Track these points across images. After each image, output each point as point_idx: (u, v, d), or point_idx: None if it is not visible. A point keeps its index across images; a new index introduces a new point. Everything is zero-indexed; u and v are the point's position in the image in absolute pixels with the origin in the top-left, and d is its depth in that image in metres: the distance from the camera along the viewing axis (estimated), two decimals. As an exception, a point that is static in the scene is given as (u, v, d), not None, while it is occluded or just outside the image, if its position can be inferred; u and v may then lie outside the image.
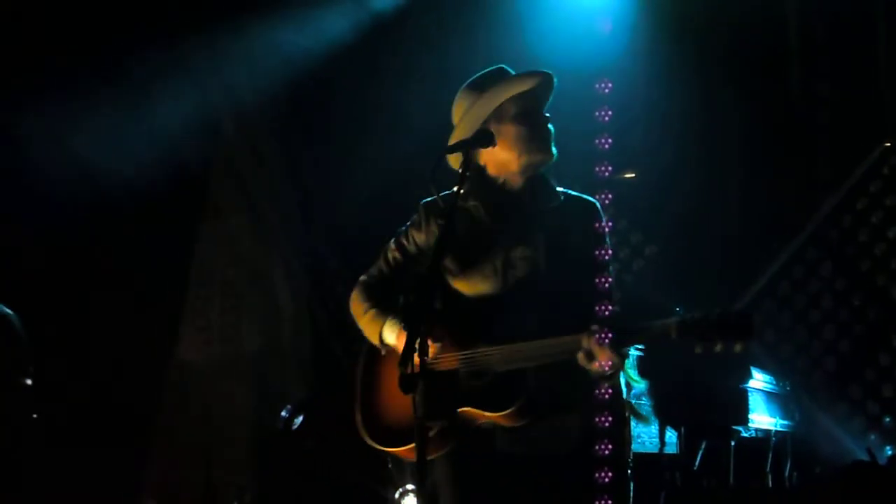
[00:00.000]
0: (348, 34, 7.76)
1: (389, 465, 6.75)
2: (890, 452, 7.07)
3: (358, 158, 8.22)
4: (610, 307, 3.80)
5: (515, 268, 3.86)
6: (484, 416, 3.76)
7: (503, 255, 3.88)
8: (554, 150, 3.91)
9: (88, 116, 7.70)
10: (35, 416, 6.07)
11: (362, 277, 4.16)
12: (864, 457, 6.59)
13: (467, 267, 3.89)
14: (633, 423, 6.08)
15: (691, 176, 7.83)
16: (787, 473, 6.90)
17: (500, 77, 3.99)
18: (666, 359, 6.32)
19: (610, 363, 3.62)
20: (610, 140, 4.15)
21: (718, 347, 3.52)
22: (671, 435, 6.47)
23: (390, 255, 4.11)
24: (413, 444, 3.67)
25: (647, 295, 7.18)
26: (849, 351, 7.67)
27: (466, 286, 3.90)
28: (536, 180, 3.96)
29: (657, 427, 6.38)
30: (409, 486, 6.60)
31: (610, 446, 3.83)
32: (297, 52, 7.79)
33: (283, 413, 7.47)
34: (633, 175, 6.48)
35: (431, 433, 3.71)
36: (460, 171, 3.70)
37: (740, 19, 7.71)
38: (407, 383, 3.33)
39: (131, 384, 7.85)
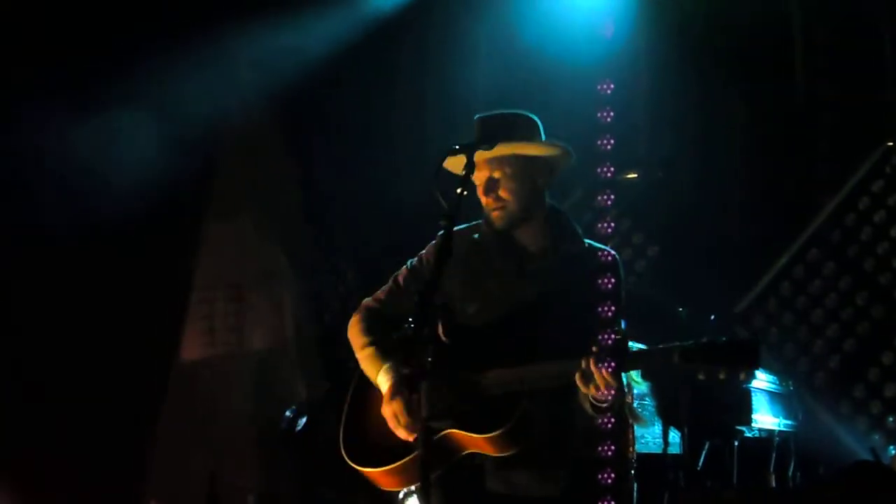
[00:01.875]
0: (355, 34, 7.77)
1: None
2: (893, 452, 7.06)
3: (364, 158, 8.24)
4: (613, 335, 3.76)
5: (519, 300, 3.86)
6: (471, 438, 3.71)
7: (508, 287, 3.90)
8: (502, 223, 3.90)
9: (93, 116, 7.71)
10: None
11: (367, 301, 4.16)
12: (868, 457, 6.59)
13: (471, 296, 3.90)
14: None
15: (694, 176, 7.83)
16: (790, 473, 6.89)
17: (485, 130, 3.93)
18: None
19: (607, 390, 3.57)
20: (612, 141, 4.15)
21: (722, 375, 3.45)
22: (674, 435, 6.47)
23: (402, 280, 4.10)
24: (387, 467, 3.79)
25: (649, 295, 7.18)
26: (852, 350, 7.67)
27: (468, 310, 3.90)
28: (557, 223, 3.98)
29: (660, 427, 6.38)
30: (412, 487, 6.59)
31: (612, 447, 3.82)
32: (304, 52, 7.81)
33: (287, 414, 7.48)
34: (636, 175, 6.46)
35: (406, 460, 3.73)
36: (462, 173, 3.68)
37: (742, 19, 7.71)
38: (411, 383, 3.36)
39: (135, 384, 7.85)
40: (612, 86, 4.30)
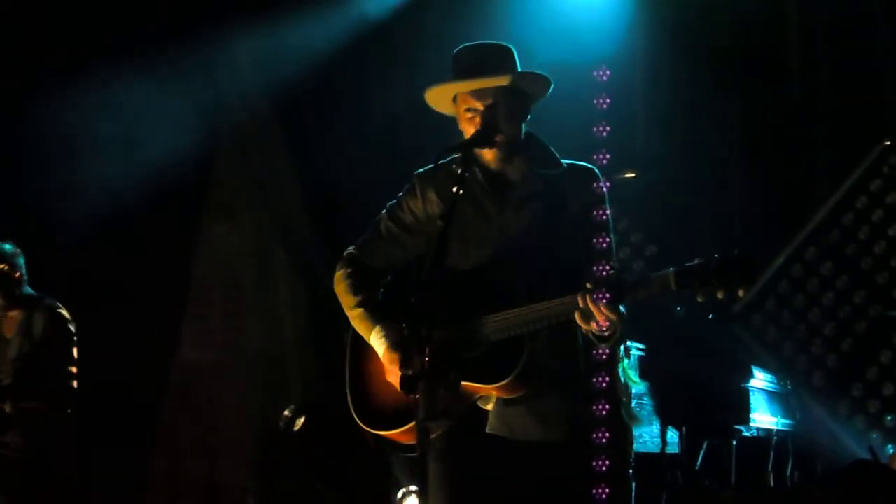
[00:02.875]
0: (355, 31, 7.77)
1: (393, 468, 6.76)
2: (891, 451, 7.07)
3: (364, 157, 8.23)
4: (608, 267, 3.72)
5: (508, 235, 3.81)
6: (481, 388, 3.70)
7: (497, 223, 3.85)
8: (510, 142, 3.83)
9: (93, 115, 7.72)
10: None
11: (351, 250, 4.10)
12: (866, 456, 6.59)
13: (462, 233, 3.79)
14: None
15: (691, 175, 7.83)
16: (788, 473, 6.90)
17: (462, 70, 3.88)
18: (667, 359, 6.33)
19: (607, 323, 3.54)
20: (608, 128, 4.11)
21: (720, 294, 3.43)
22: (672, 435, 6.48)
23: (383, 226, 4.04)
24: (406, 427, 3.71)
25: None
26: (850, 350, 7.67)
27: (458, 256, 3.80)
28: (536, 148, 3.92)
29: (658, 427, 6.38)
30: (412, 487, 6.60)
31: (607, 434, 3.77)
32: (304, 49, 7.80)
33: (286, 414, 7.48)
34: (634, 175, 6.47)
35: (435, 428, 3.64)
36: (459, 171, 3.64)
37: (739, 17, 7.72)
38: (408, 384, 3.33)
39: (134, 384, 7.85)
40: (608, 73, 4.28)
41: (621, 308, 3.55)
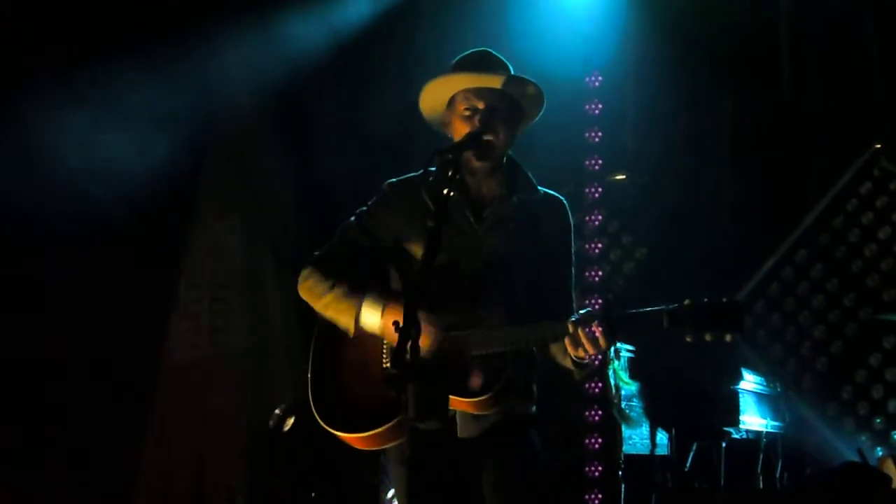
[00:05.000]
0: (346, 32, 7.77)
1: (383, 468, 6.75)
2: (881, 453, 7.08)
3: (354, 158, 8.23)
4: (600, 300, 3.77)
5: (482, 254, 3.80)
6: (457, 401, 3.66)
7: (471, 241, 3.83)
8: (498, 150, 3.82)
9: (81, 115, 7.70)
10: None
11: (315, 254, 4.01)
12: (855, 458, 6.61)
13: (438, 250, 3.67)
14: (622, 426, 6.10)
15: (682, 178, 7.84)
16: (777, 474, 6.91)
17: (467, 64, 3.90)
18: (657, 361, 6.34)
19: (594, 353, 3.57)
20: (600, 133, 4.14)
21: (708, 337, 3.48)
22: (662, 436, 6.48)
23: (350, 234, 4.00)
24: (373, 431, 3.67)
25: (637, 296, 7.19)
26: (840, 352, 7.69)
27: (436, 269, 3.65)
28: (514, 171, 3.92)
29: (648, 429, 6.39)
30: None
31: (600, 440, 3.81)
32: (294, 50, 7.80)
33: (275, 414, 7.47)
34: (624, 177, 6.49)
35: (392, 423, 3.64)
36: (449, 174, 3.58)
37: (731, 20, 7.73)
38: (396, 383, 3.26)
39: (123, 384, 7.84)
40: (600, 78, 4.31)
41: (613, 339, 3.58)
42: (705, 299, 3.52)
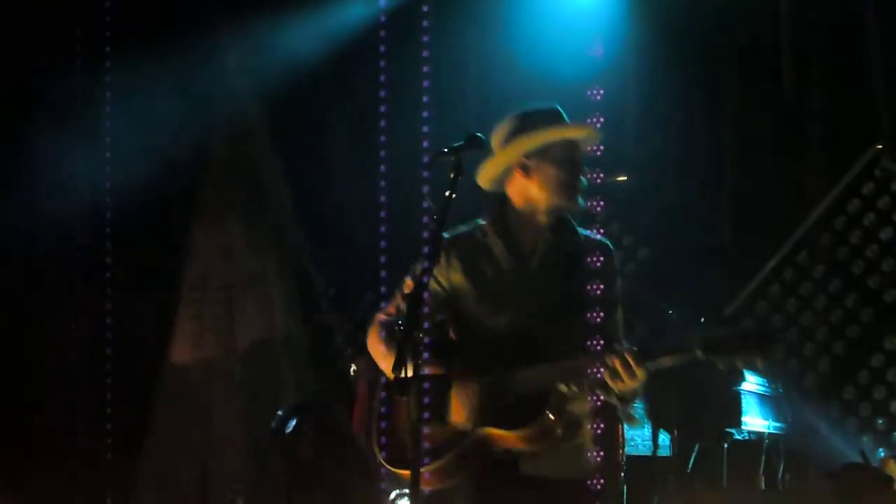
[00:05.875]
0: (345, 36, 7.77)
1: (384, 479, 6.75)
2: (883, 454, 7.07)
3: (352, 161, 8.23)
4: (601, 342, 3.93)
5: (528, 298, 3.95)
6: (501, 435, 3.83)
7: (516, 286, 3.99)
8: (581, 201, 4.04)
9: (84, 119, 7.71)
10: None
11: (378, 315, 4.19)
12: (858, 459, 6.61)
13: (486, 299, 3.99)
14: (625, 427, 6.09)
15: (683, 178, 7.84)
16: (780, 476, 6.90)
17: (553, 118, 4.06)
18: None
19: (634, 384, 3.73)
20: (602, 148, 4.19)
21: (740, 364, 3.64)
22: (664, 437, 6.48)
23: (407, 291, 4.04)
24: (433, 467, 3.86)
25: (639, 297, 7.18)
26: (842, 353, 7.68)
27: (485, 317, 3.99)
28: (561, 220, 4.08)
29: (650, 430, 6.39)
30: (405, 490, 6.59)
31: (601, 453, 3.93)
32: (293, 54, 7.80)
33: (277, 416, 7.47)
34: (625, 178, 6.47)
35: (444, 460, 3.85)
36: (451, 175, 3.70)
37: (732, 19, 7.73)
38: (401, 387, 3.38)
39: (125, 387, 7.85)
40: (601, 92, 4.36)
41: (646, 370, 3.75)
42: (739, 329, 3.74)
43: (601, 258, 4.07)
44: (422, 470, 3.81)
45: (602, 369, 3.73)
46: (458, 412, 3.87)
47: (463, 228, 4.10)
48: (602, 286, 4.02)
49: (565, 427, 3.85)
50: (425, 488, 3.92)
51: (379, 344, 4.09)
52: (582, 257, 4.04)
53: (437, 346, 3.98)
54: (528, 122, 4.04)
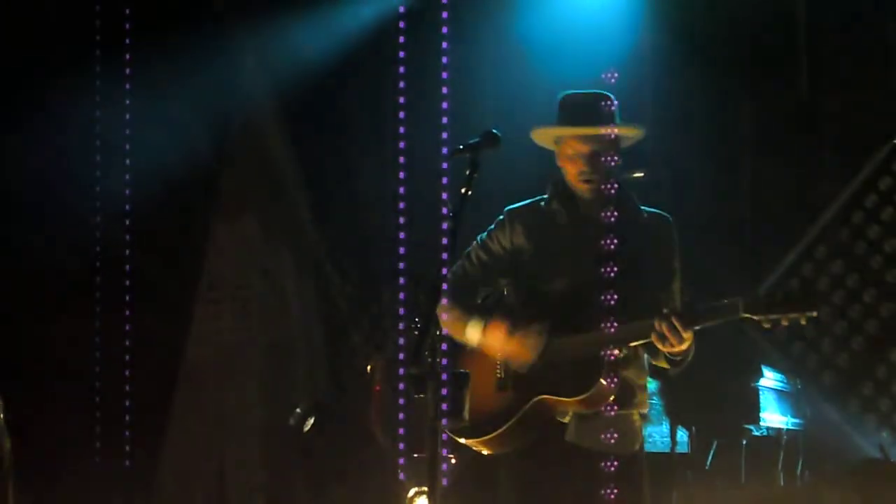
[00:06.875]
0: (360, 33, 7.78)
1: (401, 474, 6.77)
2: (901, 449, 7.05)
3: (368, 157, 8.24)
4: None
5: (590, 270, 4.08)
6: (560, 402, 4.00)
7: (581, 257, 4.12)
8: (602, 184, 4.18)
9: (102, 115, 7.74)
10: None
11: (445, 282, 4.29)
12: (877, 454, 6.58)
13: (545, 262, 4.17)
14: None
15: (700, 174, 7.82)
16: (798, 472, 6.88)
17: (575, 116, 4.21)
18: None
19: (682, 347, 3.84)
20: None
21: (785, 322, 3.71)
22: (682, 434, 6.48)
23: (474, 255, 4.33)
24: (498, 433, 4.04)
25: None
26: (860, 348, 7.65)
27: (544, 280, 4.16)
28: (622, 194, 4.24)
29: (668, 426, 6.39)
30: (423, 488, 6.60)
31: (615, 435, 4.07)
32: (309, 51, 7.81)
33: (295, 413, 7.49)
34: (642, 175, 6.46)
35: (505, 427, 4.01)
36: (467, 172, 3.74)
37: (748, 16, 7.70)
38: (417, 384, 3.41)
39: (143, 383, 7.87)
40: (616, 75, 4.47)
41: (694, 331, 3.86)
42: (780, 290, 3.98)
43: (660, 230, 4.24)
44: (488, 437, 4.07)
45: (651, 334, 3.84)
46: (520, 360, 4.02)
47: (527, 201, 4.30)
48: (660, 256, 4.18)
49: (619, 393, 3.99)
50: (488, 451, 4.15)
51: (443, 306, 4.12)
52: (641, 228, 4.19)
53: (498, 306, 4.18)
54: (559, 110, 4.25)
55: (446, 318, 4.16)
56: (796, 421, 6.85)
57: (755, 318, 3.76)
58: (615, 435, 4.03)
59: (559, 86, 4.22)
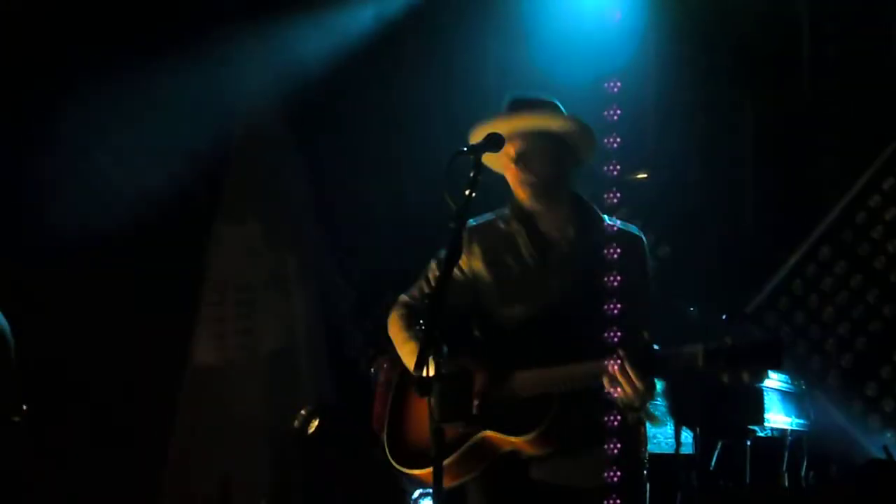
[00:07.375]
0: (366, 34, 7.78)
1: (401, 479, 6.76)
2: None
3: (373, 160, 8.25)
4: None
5: (548, 295, 3.88)
6: (507, 440, 3.76)
7: (538, 282, 3.92)
8: (541, 199, 3.93)
9: (104, 121, 7.73)
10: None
11: (402, 297, 4.17)
12: (881, 455, 6.57)
13: (502, 288, 3.94)
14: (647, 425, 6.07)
15: (703, 176, 7.82)
16: (803, 473, 6.88)
17: (521, 106, 4.02)
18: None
19: (632, 393, 3.59)
20: (619, 139, 4.18)
21: (746, 377, 3.45)
22: (687, 435, 6.46)
23: (431, 276, 4.11)
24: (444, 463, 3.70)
25: (661, 296, 7.17)
26: (864, 349, 7.65)
27: (501, 307, 3.93)
28: (580, 207, 4.01)
29: (673, 427, 6.38)
30: (428, 490, 6.60)
31: (619, 445, 3.82)
32: (314, 53, 7.82)
33: (299, 417, 7.48)
34: (646, 176, 6.47)
35: (449, 460, 3.74)
36: (471, 174, 3.65)
37: (750, 18, 7.71)
38: (422, 387, 3.33)
39: (147, 388, 7.87)
40: (619, 84, 4.35)
41: (650, 379, 3.61)
42: (744, 339, 3.50)
43: (626, 247, 3.95)
44: (424, 470, 3.84)
45: (603, 377, 3.61)
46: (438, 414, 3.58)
47: (487, 216, 4.06)
48: (626, 276, 3.88)
49: (576, 434, 3.75)
50: (427, 482, 3.86)
51: (399, 328, 4.06)
52: (606, 246, 3.92)
53: (454, 336, 3.80)
54: (508, 108, 4.04)
55: (402, 344, 4.02)
56: (801, 422, 6.85)
57: (713, 371, 3.50)
58: (576, 473, 3.81)
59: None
